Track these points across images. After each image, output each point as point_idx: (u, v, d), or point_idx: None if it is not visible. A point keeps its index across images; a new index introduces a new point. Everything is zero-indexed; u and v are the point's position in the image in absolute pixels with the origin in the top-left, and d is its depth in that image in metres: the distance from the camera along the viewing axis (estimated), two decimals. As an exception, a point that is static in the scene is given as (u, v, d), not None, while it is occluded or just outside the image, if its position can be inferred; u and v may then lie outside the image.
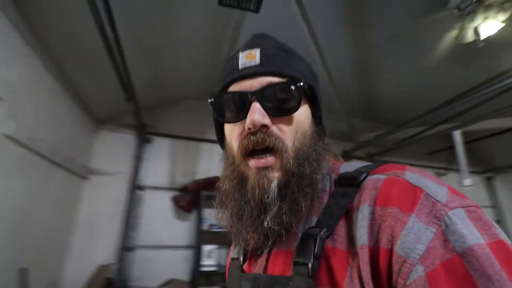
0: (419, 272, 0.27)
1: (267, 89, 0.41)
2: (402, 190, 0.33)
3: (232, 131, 0.45)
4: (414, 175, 0.35)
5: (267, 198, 0.40)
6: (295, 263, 0.36)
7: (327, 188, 0.43)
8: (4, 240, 1.37)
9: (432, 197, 0.31)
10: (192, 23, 1.88)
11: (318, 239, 0.35)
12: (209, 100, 0.46)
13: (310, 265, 0.34)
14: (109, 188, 2.50)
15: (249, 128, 0.40)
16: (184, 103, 3.07)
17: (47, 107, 1.71)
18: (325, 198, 0.42)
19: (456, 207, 0.30)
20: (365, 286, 0.31)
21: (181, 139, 2.92)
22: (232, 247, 0.55)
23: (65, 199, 2.10)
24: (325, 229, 0.36)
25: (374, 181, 0.37)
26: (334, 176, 0.44)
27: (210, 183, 2.57)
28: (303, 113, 0.44)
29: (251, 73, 0.43)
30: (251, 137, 0.40)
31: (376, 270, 0.31)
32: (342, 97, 2.66)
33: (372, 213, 0.34)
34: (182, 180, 2.74)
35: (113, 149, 2.62)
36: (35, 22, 1.44)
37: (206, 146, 2.98)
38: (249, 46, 0.45)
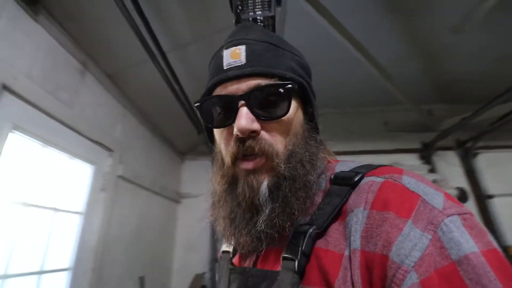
0: (413, 279, 0.27)
1: (254, 93, 0.39)
2: (400, 195, 0.32)
3: (221, 135, 0.43)
4: (411, 180, 0.34)
5: (258, 199, 0.39)
6: (284, 258, 0.36)
7: (322, 187, 0.42)
8: (125, 255, 1.83)
9: (429, 203, 0.31)
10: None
11: (307, 235, 0.36)
12: (195, 105, 0.44)
13: (297, 261, 0.34)
14: (197, 208, 2.94)
15: (237, 135, 0.39)
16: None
17: (143, 150, 2.23)
18: (320, 197, 0.41)
19: (452, 214, 0.29)
20: None
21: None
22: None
23: (165, 220, 2.60)
24: (314, 227, 0.36)
25: (371, 183, 0.36)
26: (329, 174, 0.43)
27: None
28: (294, 114, 0.42)
29: (237, 74, 0.39)
30: (240, 145, 0.39)
31: (370, 275, 0.30)
32: (405, 87, 2.44)
33: (368, 217, 0.33)
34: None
35: (196, 174, 3.09)
36: (126, 89, 1.96)
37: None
38: (234, 42, 0.42)
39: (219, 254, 0.56)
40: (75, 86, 1.47)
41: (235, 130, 0.38)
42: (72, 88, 1.44)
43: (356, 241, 0.32)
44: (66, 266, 1.34)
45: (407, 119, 2.89)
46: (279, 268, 0.36)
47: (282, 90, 0.40)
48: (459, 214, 0.30)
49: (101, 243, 1.54)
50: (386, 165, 0.40)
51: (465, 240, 0.27)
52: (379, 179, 0.36)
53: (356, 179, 0.37)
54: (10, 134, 1.07)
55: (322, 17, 1.61)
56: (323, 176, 0.44)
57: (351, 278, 0.31)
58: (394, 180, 0.35)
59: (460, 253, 0.27)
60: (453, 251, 0.27)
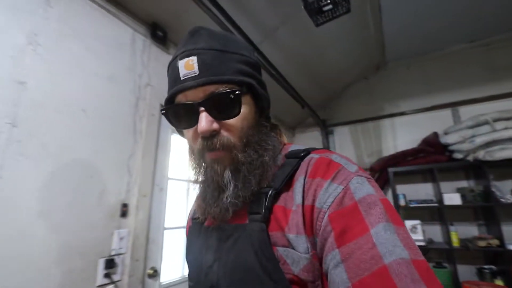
0: (325, 216, 0.39)
1: (210, 99, 0.44)
2: (326, 165, 0.44)
3: (188, 134, 0.50)
4: (338, 156, 0.46)
5: (223, 181, 0.46)
6: (250, 213, 0.46)
7: (279, 163, 0.51)
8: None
9: (346, 169, 0.42)
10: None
11: (268, 195, 0.45)
12: (161, 112, 0.50)
13: (262, 214, 0.44)
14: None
15: (202, 136, 0.46)
16: (351, 89, 3.19)
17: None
18: (276, 170, 0.50)
19: (361, 176, 0.41)
20: (298, 231, 0.41)
21: (358, 122, 3.06)
22: (191, 211, 0.65)
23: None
24: (272, 189, 0.46)
25: (310, 159, 0.47)
26: (284, 152, 0.52)
27: (394, 159, 2.50)
28: (247, 111, 0.48)
29: (193, 85, 0.44)
30: (204, 142, 0.46)
31: (306, 220, 0.41)
32: None
33: (305, 182, 0.44)
34: (369, 161, 2.87)
35: (308, 144, 3.29)
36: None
37: (386, 122, 2.90)
38: (186, 53, 0.46)
39: (188, 223, 0.65)
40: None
41: (198, 131, 0.45)
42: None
43: (299, 199, 0.43)
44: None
45: None
46: (247, 221, 0.46)
47: (232, 96, 0.45)
48: (365, 177, 0.41)
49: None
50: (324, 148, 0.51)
51: (367, 189, 0.39)
52: (316, 156, 0.47)
53: (302, 154, 0.48)
54: (173, 136, 1.62)
55: None
56: (279, 155, 0.52)
57: (296, 224, 0.42)
58: (326, 156, 0.46)
59: (361, 195, 0.38)
60: (356, 194, 0.38)
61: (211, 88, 0.45)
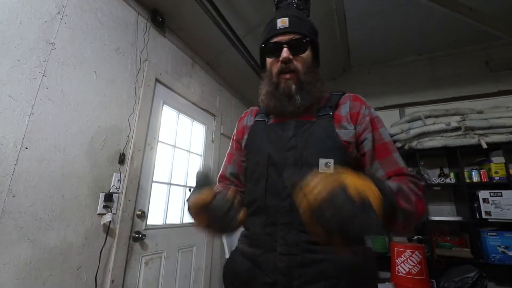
0: (367, 118, 0.73)
1: (291, 41, 0.72)
2: (360, 98, 0.77)
3: (272, 61, 0.76)
4: (360, 97, 0.79)
5: (291, 92, 0.73)
6: (319, 115, 0.74)
7: (326, 95, 0.80)
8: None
9: (366, 102, 0.77)
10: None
11: (331, 107, 0.75)
12: (261, 46, 0.78)
13: (331, 112, 0.73)
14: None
15: (282, 60, 0.72)
16: (323, 87, 3.64)
17: (236, 114, 2.96)
18: (325, 99, 0.79)
19: (371, 106, 0.77)
20: (349, 122, 0.72)
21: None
22: (245, 116, 0.91)
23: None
24: (333, 104, 0.76)
25: (348, 95, 0.79)
26: (327, 92, 0.82)
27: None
28: (308, 54, 0.75)
29: (284, 32, 0.73)
30: (282, 65, 0.73)
31: (353, 118, 0.73)
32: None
33: (350, 104, 0.76)
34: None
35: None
36: (220, 72, 2.65)
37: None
38: (282, 15, 0.75)
39: (242, 128, 0.89)
40: (189, 73, 2.25)
41: (281, 58, 0.72)
42: (188, 75, 2.22)
43: (346, 110, 0.75)
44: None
45: None
46: (314, 119, 0.74)
47: (304, 41, 0.73)
48: (372, 107, 0.79)
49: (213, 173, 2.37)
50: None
51: (376, 113, 0.77)
52: (351, 94, 0.80)
53: (342, 92, 0.81)
54: (164, 107, 1.92)
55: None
56: (325, 92, 0.81)
57: (347, 119, 0.73)
58: (355, 94, 0.80)
59: (376, 115, 0.76)
60: (374, 114, 0.75)
61: (293, 36, 0.73)
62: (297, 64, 0.73)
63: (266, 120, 0.82)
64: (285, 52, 0.71)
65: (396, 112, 3.14)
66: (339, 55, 3.17)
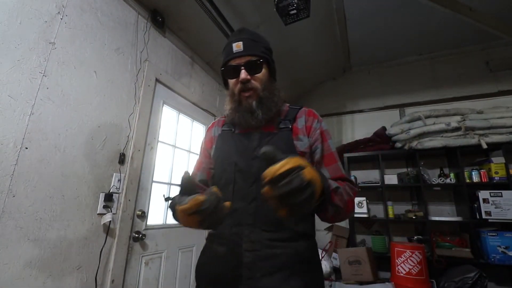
0: (318, 131, 0.85)
1: (247, 63, 0.80)
2: (314, 113, 0.89)
3: (232, 82, 0.84)
4: (314, 111, 0.90)
5: (252, 108, 0.81)
6: (280, 128, 0.84)
7: (284, 109, 0.91)
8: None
9: (319, 116, 0.90)
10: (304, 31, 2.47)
11: (290, 120, 0.86)
12: (221, 69, 0.86)
13: (290, 126, 0.84)
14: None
15: (241, 81, 0.80)
16: (321, 87, 3.64)
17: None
18: (285, 112, 0.90)
19: (322, 120, 0.89)
20: (304, 134, 0.84)
21: (324, 116, 3.50)
22: (212, 127, 1.00)
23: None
24: (291, 118, 0.87)
25: (304, 109, 0.90)
26: (286, 105, 0.93)
27: (349, 146, 2.96)
28: (264, 73, 0.84)
29: (239, 55, 0.81)
30: (242, 85, 0.81)
31: (307, 131, 0.85)
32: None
33: (305, 118, 0.87)
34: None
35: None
36: (219, 72, 2.66)
37: (347, 117, 3.36)
38: (236, 39, 0.82)
39: (210, 137, 0.98)
40: (189, 73, 2.25)
41: (240, 79, 0.81)
42: (188, 75, 2.22)
43: (302, 123, 0.86)
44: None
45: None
46: (275, 131, 0.84)
47: (258, 62, 0.82)
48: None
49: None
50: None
51: (326, 126, 0.89)
52: (306, 109, 0.91)
53: (299, 106, 0.92)
54: (164, 107, 1.92)
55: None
56: (284, 104, 0.92)
57: (303, 132, 0.84)
58: (310, 109, 0.91)
59: (326, 128, 0.89)
60: (324, 127, 0.88)
61: (248, 58, 0.81)
62: (255, 83, 0.82)
63: (233, 129, 0.91)
64: (243, 74, 0.80)
65: (396, 112, 3.14)
66: (339, 55, 3.17)
